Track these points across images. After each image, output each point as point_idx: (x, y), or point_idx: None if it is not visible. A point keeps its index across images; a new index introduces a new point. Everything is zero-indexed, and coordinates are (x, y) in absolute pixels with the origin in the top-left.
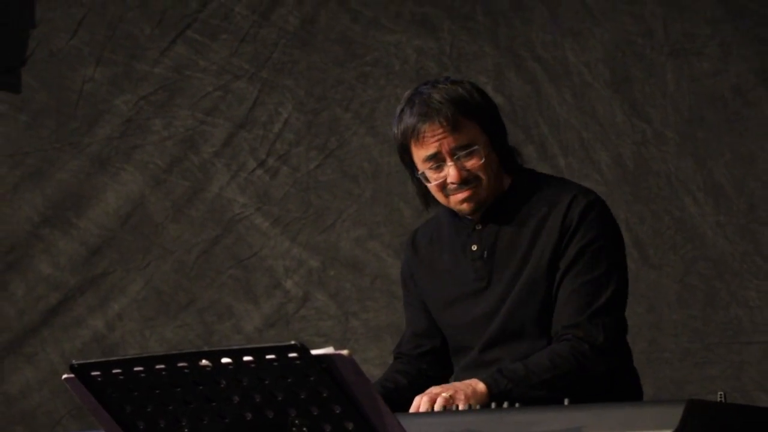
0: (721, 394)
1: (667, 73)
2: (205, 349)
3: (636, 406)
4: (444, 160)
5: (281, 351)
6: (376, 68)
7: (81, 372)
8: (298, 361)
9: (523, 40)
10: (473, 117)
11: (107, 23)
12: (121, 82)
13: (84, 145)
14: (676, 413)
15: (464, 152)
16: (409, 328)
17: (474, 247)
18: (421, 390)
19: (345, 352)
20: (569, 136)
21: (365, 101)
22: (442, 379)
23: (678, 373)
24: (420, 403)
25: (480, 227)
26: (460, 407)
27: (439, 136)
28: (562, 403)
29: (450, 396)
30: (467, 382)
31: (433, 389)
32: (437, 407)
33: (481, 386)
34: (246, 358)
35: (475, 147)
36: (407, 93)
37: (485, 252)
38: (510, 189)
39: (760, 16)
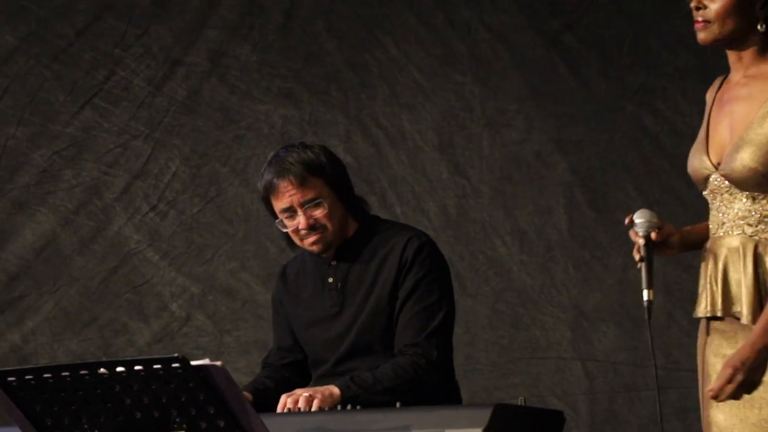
0: (521, 399)
1: (483, 141)
2: (103, 359)
3: (454, 408)
4: (295, 211)
5: (166, 362)
6: (249, 132)
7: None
8: (180, 371)
9: (368, 111)
10: (319, 175)
11: (28, 91)
12: (38, 140)
13: (6, 190)
14: (486, 414)
15: (311, 204)
16: (275, 344)
17: (330, 280)
18: (284, 392)
19: (218, 363)
20: (404, 189)
21: (239, 158)
22: (302, 385)
23: (488, 382)
24: (286, 401)
25: (335, 263)
26: (316, 405)
27: (291, 192)
28: (395, 405)
29: (309, 396)
30: (326, 387)
31: (297, 391)
32: (299, 405)
33: (335, 390)
34: (137, 368)
35: (320, 200)
36: (270, 155)
37: (339, 284)
38: (358, 232)
39: (557, 96)
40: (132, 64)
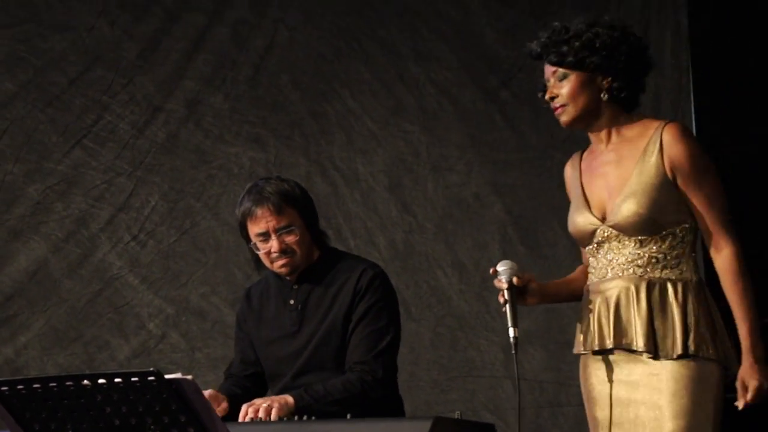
0: (458, 413)
1: (428, 183)
2: (87, 372)
3: (398, 420)
4: (270, 236)
5: (143, 375)
6: (221, 171)
7: None
8: (155, 383)
9: (327, 155)
10: (294, 206)
11: (24, 132)
12: (33, 176)
13: (4, 220)
14: (426, 426)
15: (285, 231)
16: (238, 356)
17: (292, 302)
18: (248, 399)
19: (189, 377)
20: (357, 225)
21: (212, 195)
22: (261, 395)
23: (429, 397)
24: (247, 410)
25: (297, 287)
26: (274, 414)
27: (267, 218)
28: (346, 417)
29: (268, 405)
30: (281, 396)
31: (256, 401)
32: (260, 414)
33: (290, 400)
34: (116, 380)
35: (293, 227)
36: (248, 184)
37: (300, 305)
38: (319, 260)
39: (493, 144)
40: (118, 110)
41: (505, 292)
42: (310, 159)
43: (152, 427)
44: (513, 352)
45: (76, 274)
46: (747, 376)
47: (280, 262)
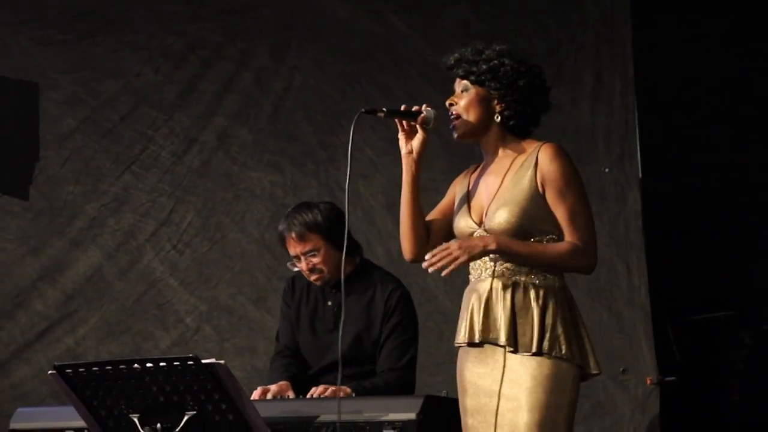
0: (445, 392)
1: None
2: (136, 357)
3: (396, 398)
4: (300, 258)
5: (183, 360)
6: (245, 192)
7: (60, 370)
8: (193, 367)
9: (334, 178)
10: (317, 232)
11: (83, 160)
12: (90, 195)
13: (66, 233)
14: (419, 403)
15: (309, 254)
16: (286, 323)
17: (329, 303)
18: (302, 378)
19: (222, 361)
20: (359, 237)
21: (238, 212)
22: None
23: (420, 380)
24: (316, 392)
25: (334, 291)
26: (341, 395)
27: (293, 244)
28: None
29: (333, 392)
30: (343, 387)
31: (321, 386)
32: (326, 394)
33: (349, 390)
34: (161, 364)
35: (315, 251)
36: (288, 210)
37: (335, 308)
38: (355, 272)
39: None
40: (160, 141)
41: (413, 109)
42: (321, 182)
43: (191, 403)
44: (362, 112)
45: (126, 278)
46: (475, 238)
47: (312, 278)
